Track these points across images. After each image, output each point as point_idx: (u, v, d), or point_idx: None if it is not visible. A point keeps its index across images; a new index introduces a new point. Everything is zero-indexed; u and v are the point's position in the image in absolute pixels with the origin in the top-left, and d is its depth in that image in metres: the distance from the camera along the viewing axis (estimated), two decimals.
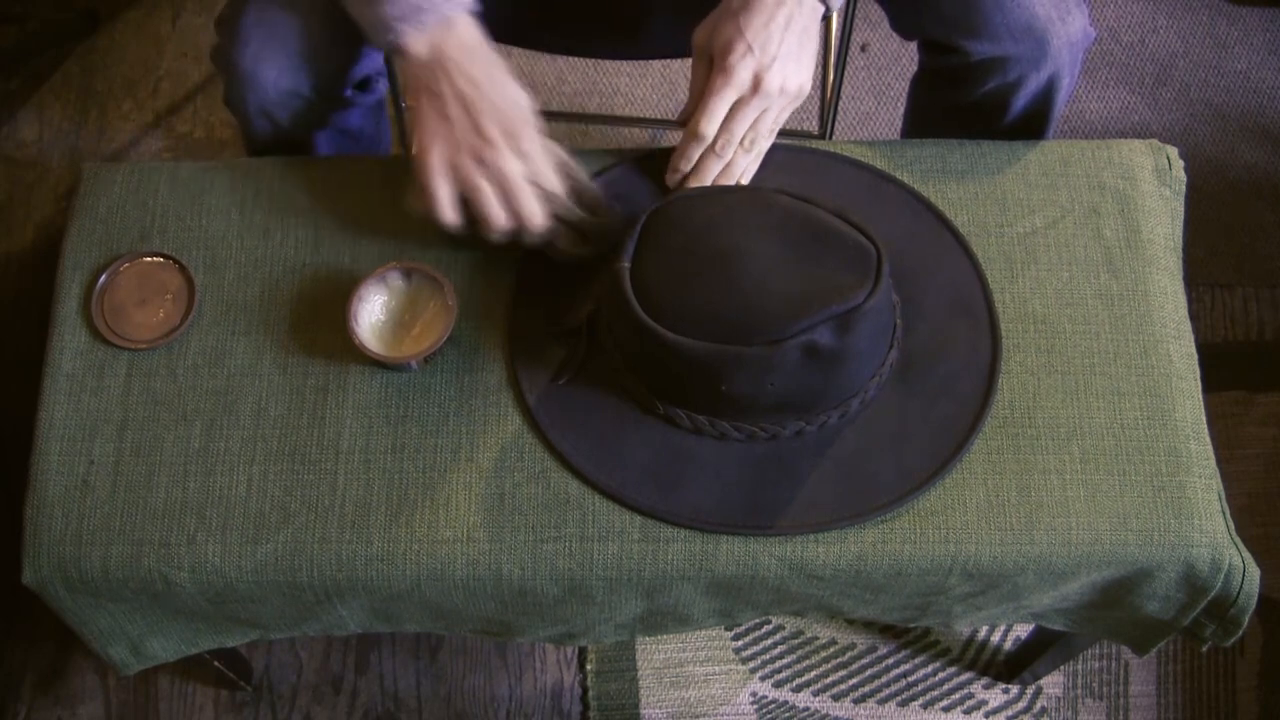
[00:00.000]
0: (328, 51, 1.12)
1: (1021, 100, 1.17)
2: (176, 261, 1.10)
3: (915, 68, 1.29)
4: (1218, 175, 1.83)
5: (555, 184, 1.02)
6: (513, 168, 1.00)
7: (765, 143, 1.07)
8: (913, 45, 1.23)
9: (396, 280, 1.07)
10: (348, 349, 1.05)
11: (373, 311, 1.06)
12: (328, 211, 1.13)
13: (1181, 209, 1.16)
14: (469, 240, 1.05)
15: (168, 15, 1.94)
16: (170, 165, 1.15)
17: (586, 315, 1.06)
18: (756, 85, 1.01)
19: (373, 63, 1.20)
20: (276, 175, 1.14)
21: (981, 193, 1.14)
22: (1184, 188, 1.16)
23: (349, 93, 1.19)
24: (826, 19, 1.14)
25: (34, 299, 1.68)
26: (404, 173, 1.14)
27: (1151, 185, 1.14)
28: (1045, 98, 1.17)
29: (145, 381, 1.06)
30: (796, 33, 1.02)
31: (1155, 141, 1.16)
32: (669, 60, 1.88)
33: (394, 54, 1.02)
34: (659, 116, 1.86)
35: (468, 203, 1.02)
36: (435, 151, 1.00)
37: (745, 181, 1.08)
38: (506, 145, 1.00)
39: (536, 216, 1.02)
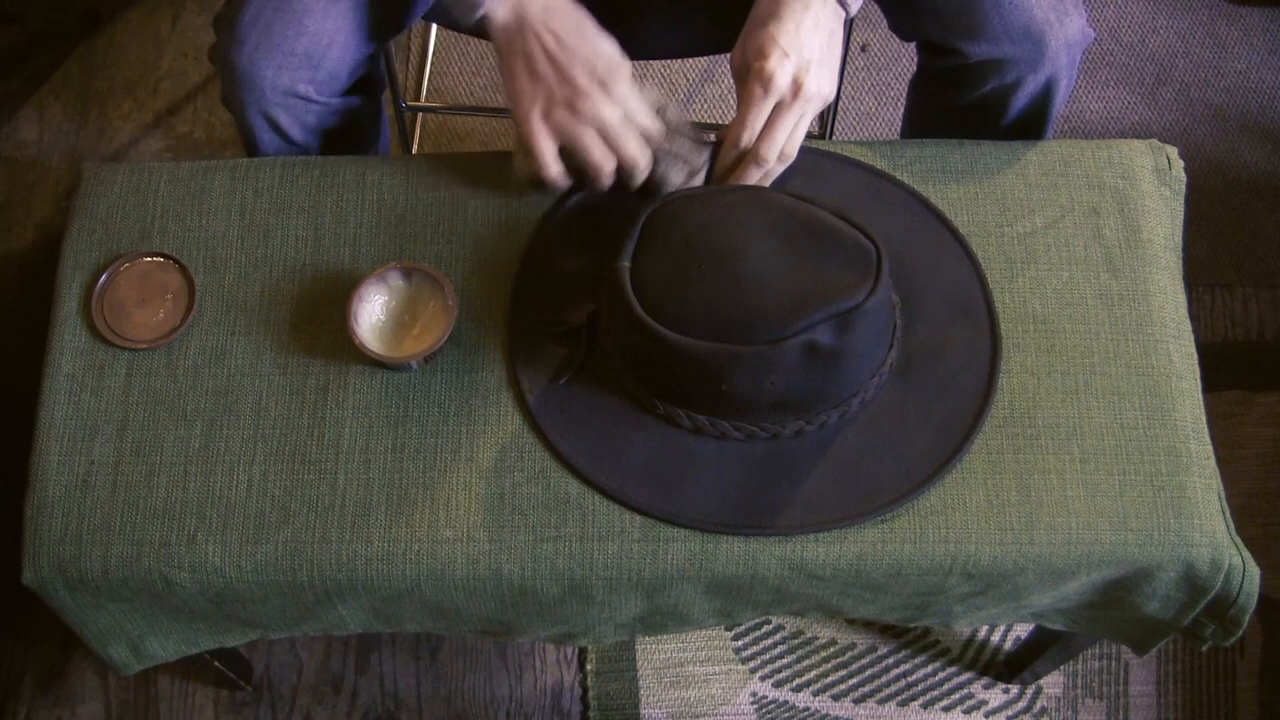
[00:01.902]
0: (325, 51, 1.12)
1: (1020, 101, 1.17)
2: (176, 261, 1.10)
3: (915, 68, 1.29)
4: (1218, 175, 1.83)
5: (653, 123, 1.04)
6: (609, 112, 1.02)
7: (796, 151, 1.07)
8: (913, 45, 1.23)
9: (396, 280, 1.07)
10: (348, 349, 1.05)
11: (373, 311, 1.06)
12: (328, 211, 1.13)
13: (1181, 209, 1.16)
14: (575, 188, 1.08)
15: (168, 15, 1.94)
16: (170, 165, 1.15)
17: (586, 315, 1.06)
18: (796, 90, 1.02)
19: (371, 63, 1.20)
20: (276, 175, 1.14)
21: (981, 193, 1.14)
22: (1184, 187, 1.16)
23: (347, 92, 1.19)
24: (848, 22, 1.14)
25: (34, 299, 1.68)
26: (405, 173, 1.14)
27: (1151, 185, 1.14)
28: (1043, 99, 1.17)
29: (145, 381, 1.06)
30: (825, 35, 1.03)
31: (1155, 141, 1.16)
32: (669, 60, 1.88)
33: (482, 25, 1.04)
34: None
35: (571, 155, 1.04)
36: (532, 109, 1.03)
37: (766, 184, 1.08)
38: (599, 92, 1.02)
39: (640, 157, 1.04)
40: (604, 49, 1.03)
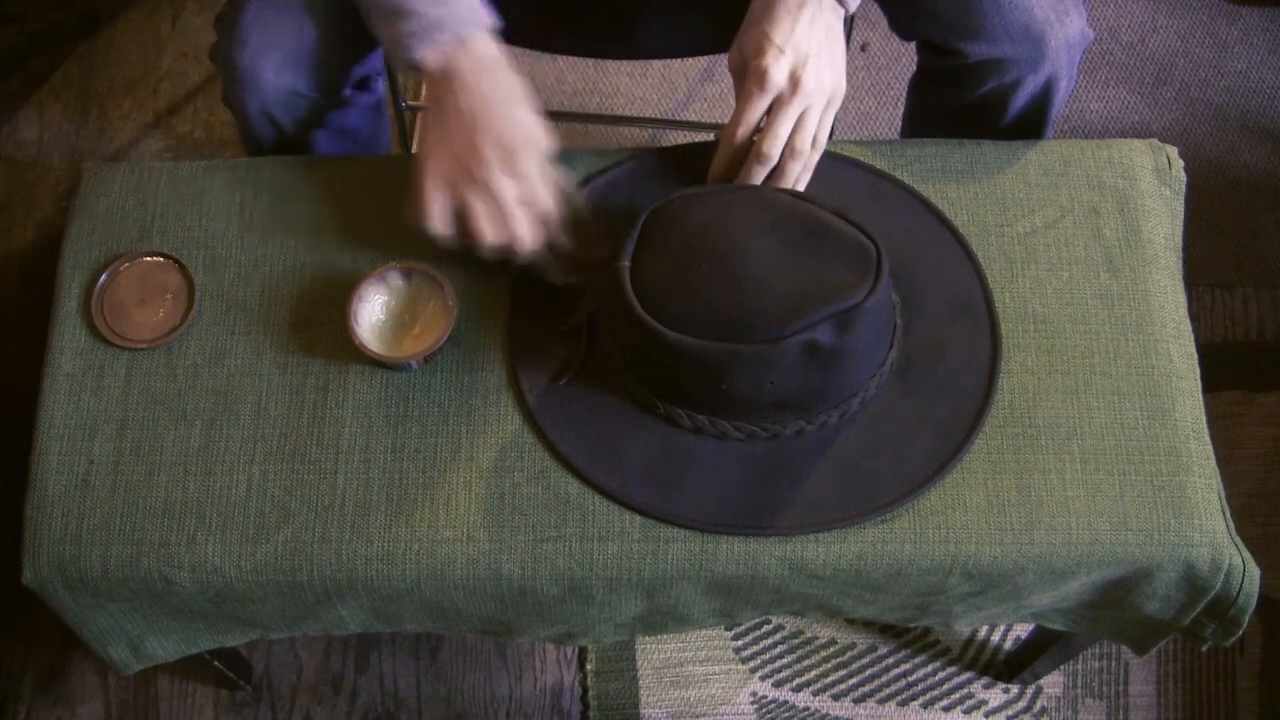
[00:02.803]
0: (327, 50, 1.12)
1: (1019, 101, 1.17)
2: (176, 261, 1.10)
3: (914, 68, 1.29)
4: (1218, 175, 1.83)
5: (549, 209, 1.03)
6: (505, 188, 1.00)
7: (816, 150, 1.06)
8: (912, 45, 1.23)
9: (396, 280, 1.07)
10: (348, 349, 1.05)
11: (373, 311, 1.06)
12: (328, 211, 1.13)
13: (1181, 209, 1.16)
14: (461, 253, 1.05)
15: (168, 15, 1.94)
16: (170, 165, 1.15)
17: (586, 315, 1.06)
18: (795, 85, 1.01)
19: (372, 63, 1.20)
20: (276, 175, 1.14)
21: (981, 193, 1.14)
22: (1184, 187, 1.16)
23: (348, 92, 1.19)
24: (848, 21, 1.13)
25: (34, 299, 1.68)
26: (404, 173, 1.14)
27: (1151, 185, 1.14)
28: (1043, 99, 1.17)
29: (145, 381, 1.06)
30: (822, 30, 1.02)
31: (1155, 141, 1.16)
32: (669, 60, 1.88)
33: (411, 70, 1.02)
34: (659, 116, 1.86)
35: (462, 217, 1.02)
36: (432, 163, 1.01)
37: (799, 189, 1.07)
38: (502, 165, 1.00)
39: (526, 239, 1.02)
40: (522, 120, 1.01)
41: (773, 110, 1.03)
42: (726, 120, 1.06)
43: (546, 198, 1.02)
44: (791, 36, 1.00)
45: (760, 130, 1.04)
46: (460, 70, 1.00)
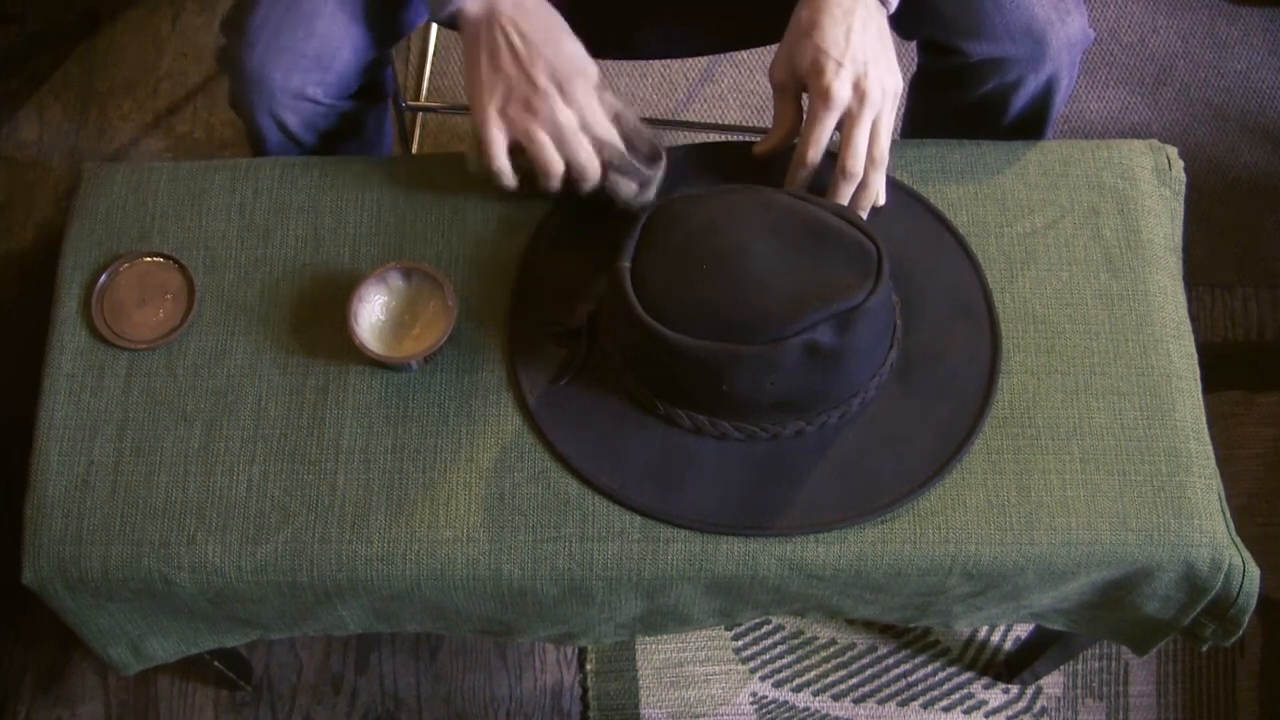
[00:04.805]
0: (335, 53, 1.12)
1: (1020, 101, 1.17)
2: (176, 261, 1.10)
3: (915, 67, 1.29)
4: (1218, 175, 1.83)
5: (609, 133, 1.04)
6: (564, 116, 1.02)
7: (887, 152, 1.05)
8: (913, 45, 1.23)
9: (396, 280, 1.07)
10: (348, 349, 1.05)
11: (373, 311, 1.06)
12: (328, 211, 1.13)
13: (1181, 209, 1.16)
14: (526, 191, 1.06)
15: (168, 15, 1.94)
16: (170, 165, 1.15)
17: (587, 315, 1.06)
18: (861, 97, 1.01)
19: (379, 66, 1.20)
20: (276, 175, 1.14)
21: (981, 193, 1.14)
22: (1184, 188, 1.16)
23: (355, 95, 1.19)
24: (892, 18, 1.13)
25: (34, 299, 1.68)
26: (405, 173, 1.14)
27: (1151, 185, 1.14)
28: (1044, 98, 1.17)
29: (145, 381, 1.06)
30: (874, 33, 1.02)
31: (1155, 141, 1.16)
32: (669, 60, 1.88)
33: (454, 19, 1.04)
34: (659, 116, 1.86)
35: (523, 153, 1.04)
36: (488, 101, 1.02)
37: (881, 199, 1.07)
38: (557, 94, 1.01)
39: (590, 164, 1.03)
40: (570, 51, 1.03)
41: (845, 126, 1.02)
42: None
43: (604, 121, 1.04)
44: (847, 48, 1.00)
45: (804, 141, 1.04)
46: (502, 11, 1.01)
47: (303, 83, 1.11)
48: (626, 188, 1.06)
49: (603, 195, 1.07)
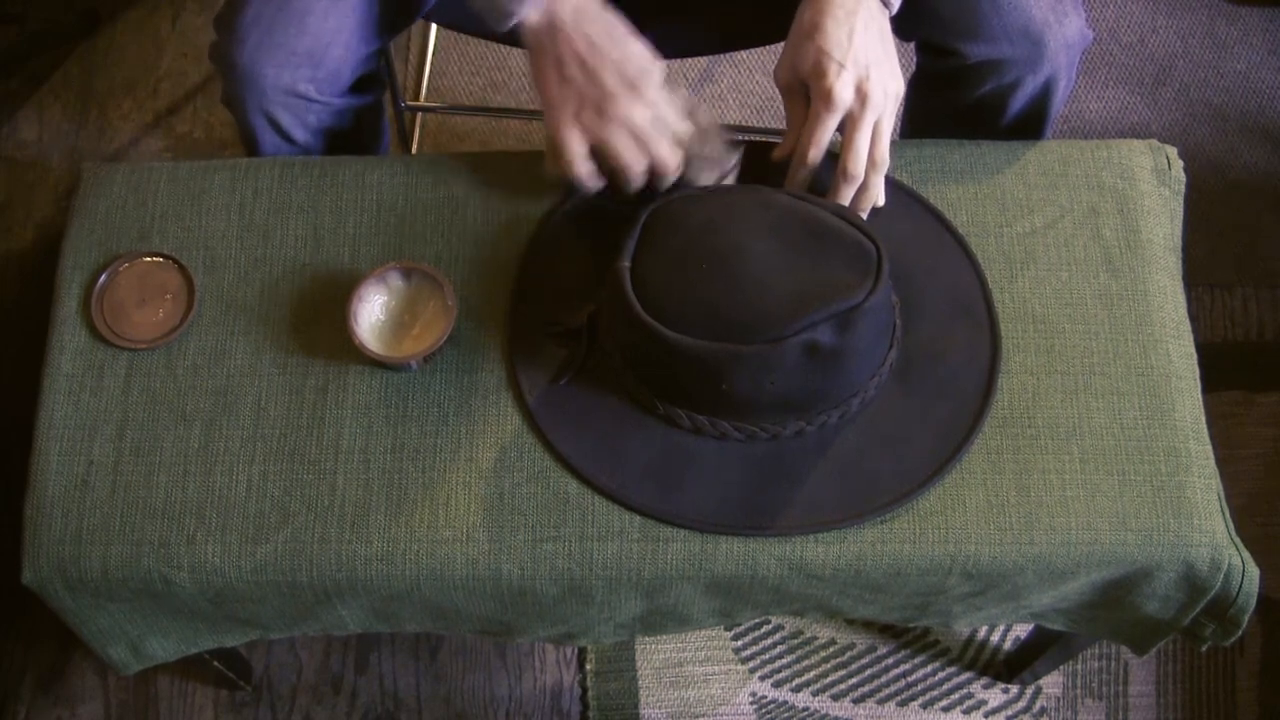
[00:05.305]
0: (327, 50, 1.12)
1: (1019, 102, 1.17)
2: (176, 261, 1.10)
3: (914, 68, 1.29)
4: (1218, 175, 1.83)
5: (684, 126, 1.05)
6: (639, 114, 1.02)
7: (889, 155, 1.06)
8: (912, 45, 1.23)
9: (396, 280, 1.07)
10: (348, 349, 1.05)
11: (373, 311, 1.06)
12: (327, 211, 1.13)
13: (1181, 209, 1.16)
14: (608, 192, 1.07)
15: (168, 15, 1.94)
16: (170, 165, 1.15)
17: (586, 315, 1.06)
18: (863, 100, 1.01)
19: (372, 63, 1.20)
20: (276, 175, 1.14)
21: (981, 193, 1.14)
22: (1183, 188, 1.16)
23: (349, 92, 1.19)
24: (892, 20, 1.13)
25: (34, 299, 1.68)
26: (404, 173, 1.14)
27: (1151, 185, 1.14)
28: (1042, 99, 1.17)
29: (145, 381, 1.06)
30: (876, 35, 1.02)
31: (1154, 141, 1.16)
32: (669, 60, 1.87)
33: (516, 32, 1.04)
34: None
35: (601, 157, 1.04)
36: (562, 111, 1.03)
37: (881, 200, 1.08)
38: (629, 95, 1.02)
39: (670, 158, 1.04)
40: (635, 51, 1.03)
41: (846, 128, 1.03)
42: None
43: (676, 116, 1.05)
44: (850, 50, 1.00)
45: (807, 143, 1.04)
46: (563, 18, 1.02)
47: (294, 79, 1.11)
48: (707, 178, 1.07)
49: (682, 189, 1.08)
